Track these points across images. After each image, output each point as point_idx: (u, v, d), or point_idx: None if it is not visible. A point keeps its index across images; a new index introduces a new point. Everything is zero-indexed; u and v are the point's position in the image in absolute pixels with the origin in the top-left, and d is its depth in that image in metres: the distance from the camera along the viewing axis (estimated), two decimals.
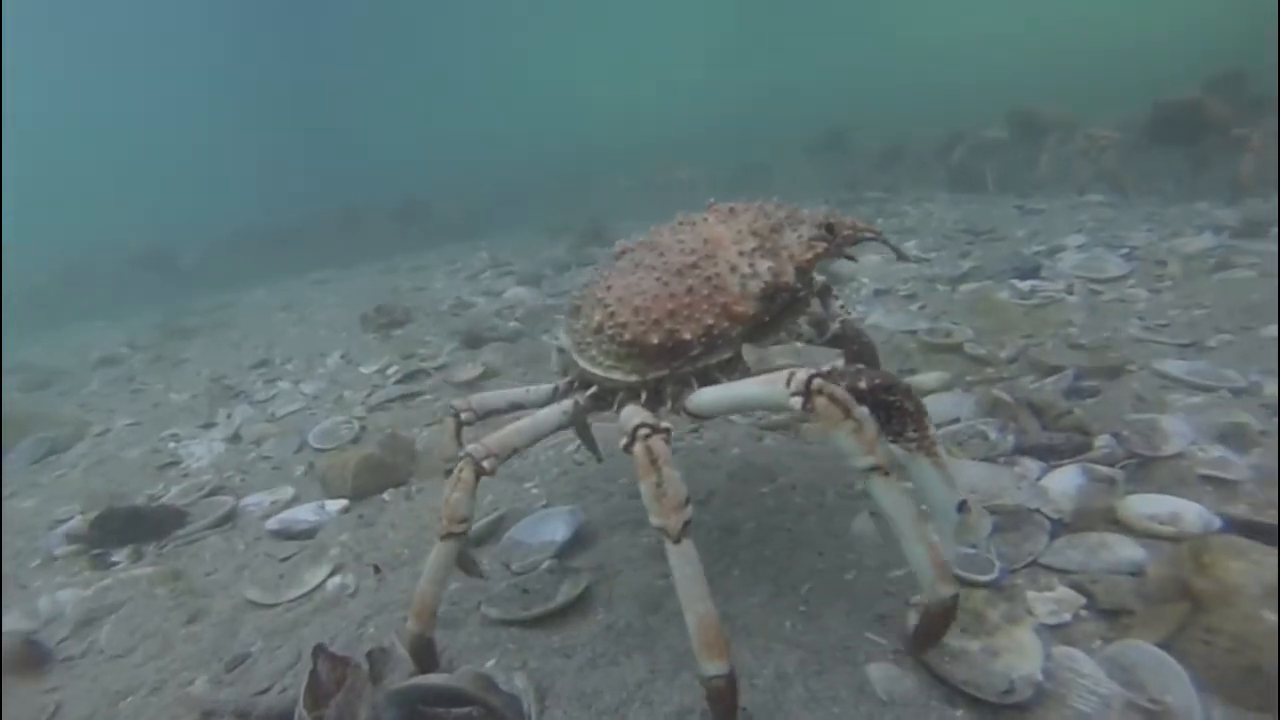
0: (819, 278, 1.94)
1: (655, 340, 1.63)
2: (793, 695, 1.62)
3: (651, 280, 1.66)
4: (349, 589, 2.38)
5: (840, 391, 1.27)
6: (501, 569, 2.27)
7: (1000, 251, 5.12)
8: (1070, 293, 3.98)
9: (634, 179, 11.56)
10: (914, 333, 3.73)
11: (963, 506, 1.51)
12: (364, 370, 4.84)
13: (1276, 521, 1.94)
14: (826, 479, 2.49)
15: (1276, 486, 2.16)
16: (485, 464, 1.60)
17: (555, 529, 2.35)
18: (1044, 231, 5.52)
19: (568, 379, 1.87)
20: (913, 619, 1.71)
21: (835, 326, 1.81)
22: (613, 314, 1.68)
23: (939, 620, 1.55)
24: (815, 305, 1.92)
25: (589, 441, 2.57)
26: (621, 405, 1.67)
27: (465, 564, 2.12)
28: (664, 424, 1.46)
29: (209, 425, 4.40)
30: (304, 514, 2.96)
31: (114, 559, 2.94)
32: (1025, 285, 4.13)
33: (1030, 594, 1.83)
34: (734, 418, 2.99)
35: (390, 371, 4.68)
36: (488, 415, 1.77)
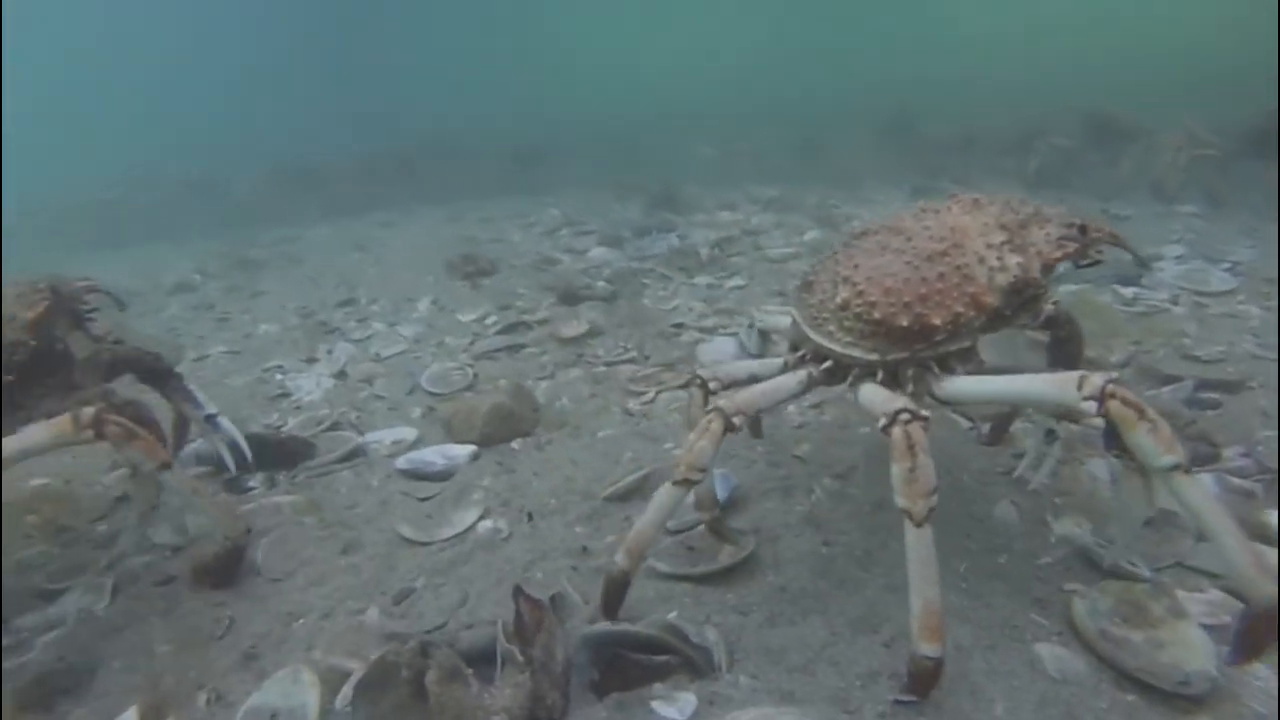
0: None
1: (904, 322, 1.69)
2: (974, 667, 1.73)
3: (901, 264, 1.73)
4: (502, 533, 2.49)
5: (1132, 394, 1.35)
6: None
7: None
8: (1175, 303, 3.99)
9: (715, 148, 11.52)
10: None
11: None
12: (461, 318, 4.94)
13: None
14: (955, 463, 2.58)
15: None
16: (735, 420, 1.67)
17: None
18: (1134, 239, 5.45)
19: (799, 353, 1.95)
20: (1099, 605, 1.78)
21: (1049, 309, 1.88)
22: (861, 292, 1.74)
23: (1266, 623, 1.44)
24: None
25: (754, 421, 2.64)
26: (857, 382, 1.76)
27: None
28: (924, 411, 1.53)
29: (311, 360, 4.53)
30: (431, 455, 3.05)
31: (250, 484, 3.00)
32: (1128, 292, 4.14)
33: (1180, 593, 1.91)
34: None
35: (489, 321, 4.78)
36: (731, 385, 1.85)
